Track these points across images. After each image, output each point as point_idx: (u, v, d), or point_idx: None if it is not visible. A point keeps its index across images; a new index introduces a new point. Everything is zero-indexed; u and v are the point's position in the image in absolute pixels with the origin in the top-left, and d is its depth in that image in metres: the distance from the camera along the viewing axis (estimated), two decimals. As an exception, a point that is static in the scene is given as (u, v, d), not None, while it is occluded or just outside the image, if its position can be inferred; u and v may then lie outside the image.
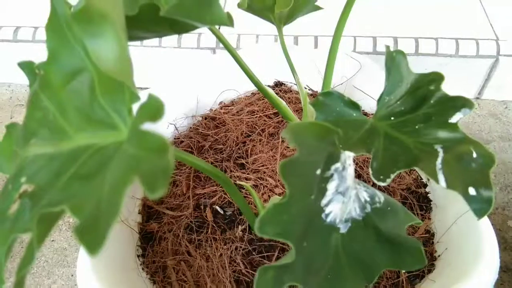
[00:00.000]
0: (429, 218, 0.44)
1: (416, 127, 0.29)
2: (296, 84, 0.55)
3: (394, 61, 0.31)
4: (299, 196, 0.22)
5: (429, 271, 0.40)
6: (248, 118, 0.51)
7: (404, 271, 0.40)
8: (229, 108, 0.53)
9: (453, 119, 0.28)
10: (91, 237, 0.16)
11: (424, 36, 0.78)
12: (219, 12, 0.25)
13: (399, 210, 0.28)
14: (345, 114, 0.30)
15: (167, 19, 0.25)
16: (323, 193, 0.25)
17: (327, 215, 0.26)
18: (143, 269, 0.42)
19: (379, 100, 0.32)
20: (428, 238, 0.42)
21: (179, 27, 0.28)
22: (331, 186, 0.25)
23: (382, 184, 0.27)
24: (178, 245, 0.42)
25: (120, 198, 0.16)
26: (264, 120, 0.51)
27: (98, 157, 0.22)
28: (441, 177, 0.25)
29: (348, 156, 0.26)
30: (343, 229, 0.27)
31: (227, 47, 0.38)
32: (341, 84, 0.56)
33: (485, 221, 0.38)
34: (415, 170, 0.48)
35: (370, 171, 0.27)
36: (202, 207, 0.45)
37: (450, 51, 0.77)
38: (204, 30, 0.76)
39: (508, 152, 0.75)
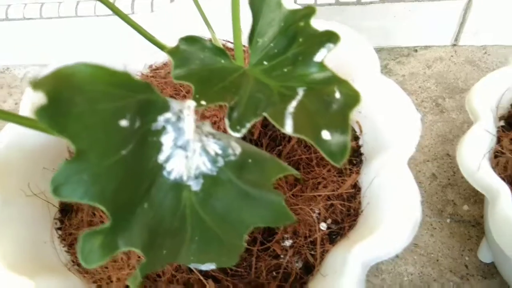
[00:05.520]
0: (358, 173, 0.41)
1: (285, 70, 0.26)
2: (232, 42, 0.51)
3: (265, -3, 0.28)
4: (98, 152, 0.19)
5: (350, 227, 0.38)
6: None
7: (323, 228, 0.38)
8: (158, 71, 0.51)
9: (318, 57, 0.25)
10: None
11: (389, -19, 0.73)
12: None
13: (266, 161, 0.26)
14: (210, 61, 0.27)
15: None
16: (158, 148, 0.23)
17: (169, 172, 0.24)
18: (61, 241, 0.41)
19: (250, 43, 0.29)
20: (354, 194, 0.40)
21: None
22: (167, 140, 0.23)
23: (237, 135, 0.24)
24: (92, 216, 0.41)
25: None
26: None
27: None
28: (288, 122, 0.22)
29: (186, 106, 0.23)
30: (195, 186, 0.24)
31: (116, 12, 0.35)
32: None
33: (405, 171, 0.35)
34: (348, 122, 0.45)
35: (227, 122, 0.25)
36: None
37: (419, -6, 0.72)
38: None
39: (482, 99, 0.70)
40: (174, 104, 0.22)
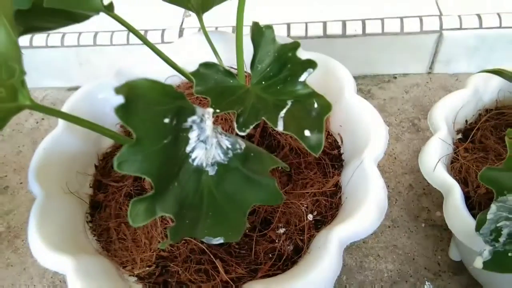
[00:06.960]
0: (339, 175, 0.50)
1: (278, 87, 0.36)
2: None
3: (263, 35, 0.37)
4: (150, 140, 0.28)
5: (332, 218, 0.46)
6: (187, 100, 0.57)
7: (310, 219, 0.46)
8: (172, 92, 0.60)
9: (302, 78, 0.34)
10: None
11: (370, 17, 0.83)
12: (95, 0, 0.32)
13: (264, 156, 0.34)
14: (223, 81, 0.37)
15: (59, 9, 0.32)
16: (186, 141, 0.32)
17: (193, 160, 0.32)
18: (91, 232, 0.49)
19: (252, 68, 0.38)
20: (336, 191, 0.48)
21: (72, 16, 0.34)
22: (193, 135, 0.32)
23: (242, 134, 0.33)
24: (119, 210, 0.49)
25: None
26: (200, 101, 0.57)
27: None
28: (280, 123, 0.31)
29: (207, 112, 0.32)
30: (211, 171, 0.33)
31: (145, 41, 0.44)
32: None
33: (375, 171, 0.44)
34: (331, 135, 0.54)
35: (235, 125, 0.34)
36: (140, 177, 0.51)
37: (395, 29, 0.82)
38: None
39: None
40: (199, 110, 0.31)
